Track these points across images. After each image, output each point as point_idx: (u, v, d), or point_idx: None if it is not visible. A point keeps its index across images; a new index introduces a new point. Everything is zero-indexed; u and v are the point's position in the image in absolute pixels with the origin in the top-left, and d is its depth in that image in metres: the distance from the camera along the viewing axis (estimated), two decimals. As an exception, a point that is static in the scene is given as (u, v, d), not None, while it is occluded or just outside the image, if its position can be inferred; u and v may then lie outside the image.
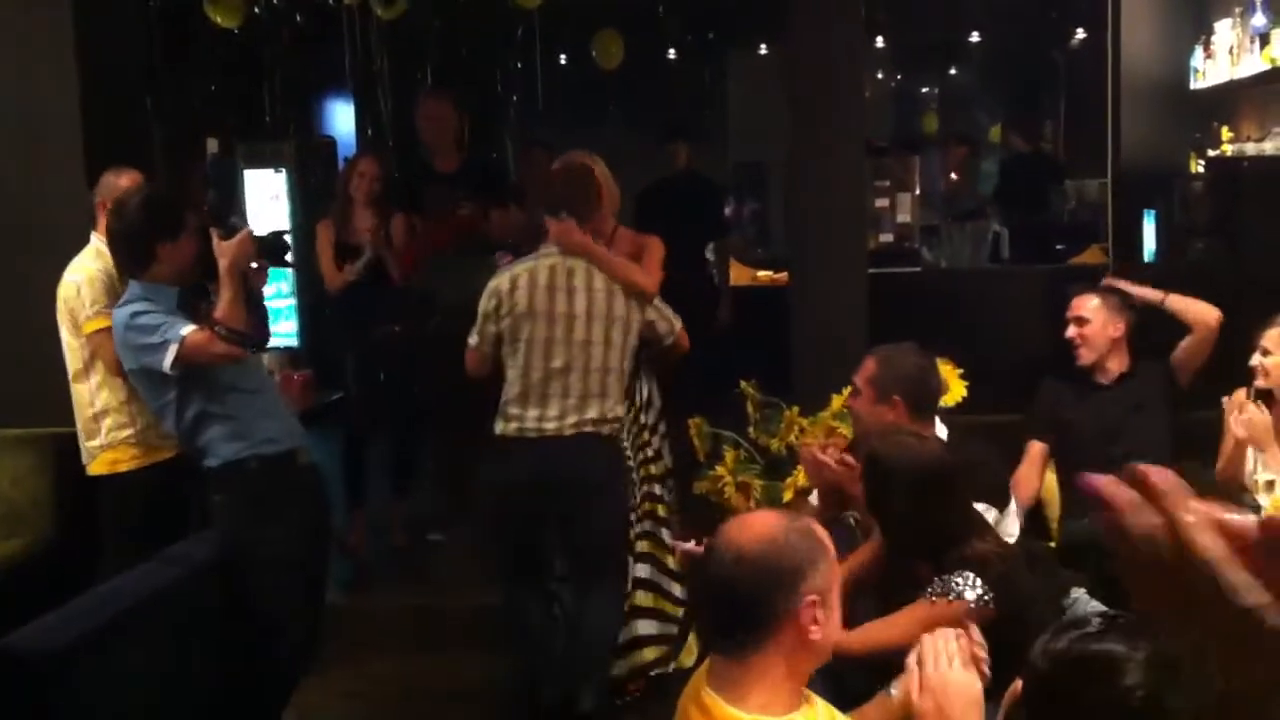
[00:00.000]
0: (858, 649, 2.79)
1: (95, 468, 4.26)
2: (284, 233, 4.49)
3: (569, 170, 4.19)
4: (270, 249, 3.99)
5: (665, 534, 4.43)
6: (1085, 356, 4.39)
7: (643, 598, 4.41)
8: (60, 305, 4.22)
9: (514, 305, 4.00)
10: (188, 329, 3.58)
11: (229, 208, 3.85)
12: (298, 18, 8.61)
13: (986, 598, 2.72)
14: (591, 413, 4.03)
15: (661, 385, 4.52)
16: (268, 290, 8.18)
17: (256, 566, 3.68)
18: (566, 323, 3.99)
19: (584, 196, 4.09)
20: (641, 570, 4.41)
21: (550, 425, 4.01)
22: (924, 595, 2.79)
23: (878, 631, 2.81)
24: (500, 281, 4.05)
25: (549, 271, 4.02)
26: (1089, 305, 4.40)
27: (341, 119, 10.62)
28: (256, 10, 7.37)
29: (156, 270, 3.72)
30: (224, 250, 3.62)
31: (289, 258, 4.33)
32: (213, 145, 3.80)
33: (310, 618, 4.07)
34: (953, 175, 9.02)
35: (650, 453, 4.45)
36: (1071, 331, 4.40)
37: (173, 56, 8.02)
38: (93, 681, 3.05)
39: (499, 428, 4.04)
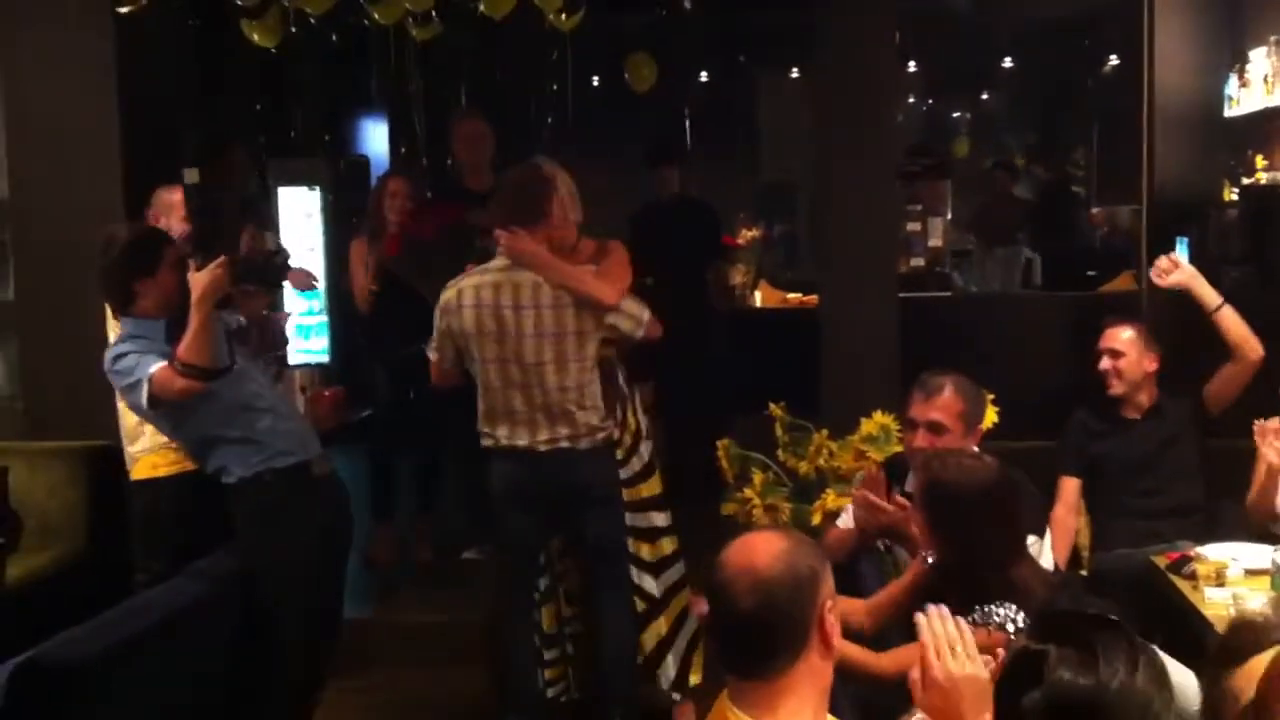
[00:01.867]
0: (891, 671, 2.76)
1: (137, 472, 4.33)
2: (275, 253, 4.43)
3: (516, 179, 4.05)
4: (257, 271, 3.94)
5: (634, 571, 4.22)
6: (1117, 388, 4.36)
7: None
8: (109, 316, 4.28)
9: (463, 324, 3.91)
10: (155, 366, 3.56)
11: (210, 235, 3.71)
12: (333, 37, 8.67)
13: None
14: (563, 429, 3.91)
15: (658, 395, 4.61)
16: (300, 306, 8.32)
17: (276, 576, 3.71)
18: (515, 342, 3.87)
19: (530, 205, 3.91)
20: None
21: (521, 442, 3.93)
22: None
23: (910, 654, 2.78)
24: (449, 296, 3.95)
25: (494, 289, 3.88)
26: (1123, 337, 4.36)
27: (375, 138, 10.69)
28: (293, 30, 7.42)
29: (140, 306, 3.74)
30: (195, 281, 3.54)
31: (295, 279, 4.28)
32: (192, 175, 3.78)
33: (330, 627, 4.09)
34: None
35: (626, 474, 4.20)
36: (1105, 364, 4.37)
37: (210, 75, 8.10)
38: (121, 694, 3.07)
39: (482, 441, 4.02)
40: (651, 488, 4.22)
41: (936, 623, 2.03)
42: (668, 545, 4.24)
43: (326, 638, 4.07)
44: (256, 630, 3.69)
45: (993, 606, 2.71)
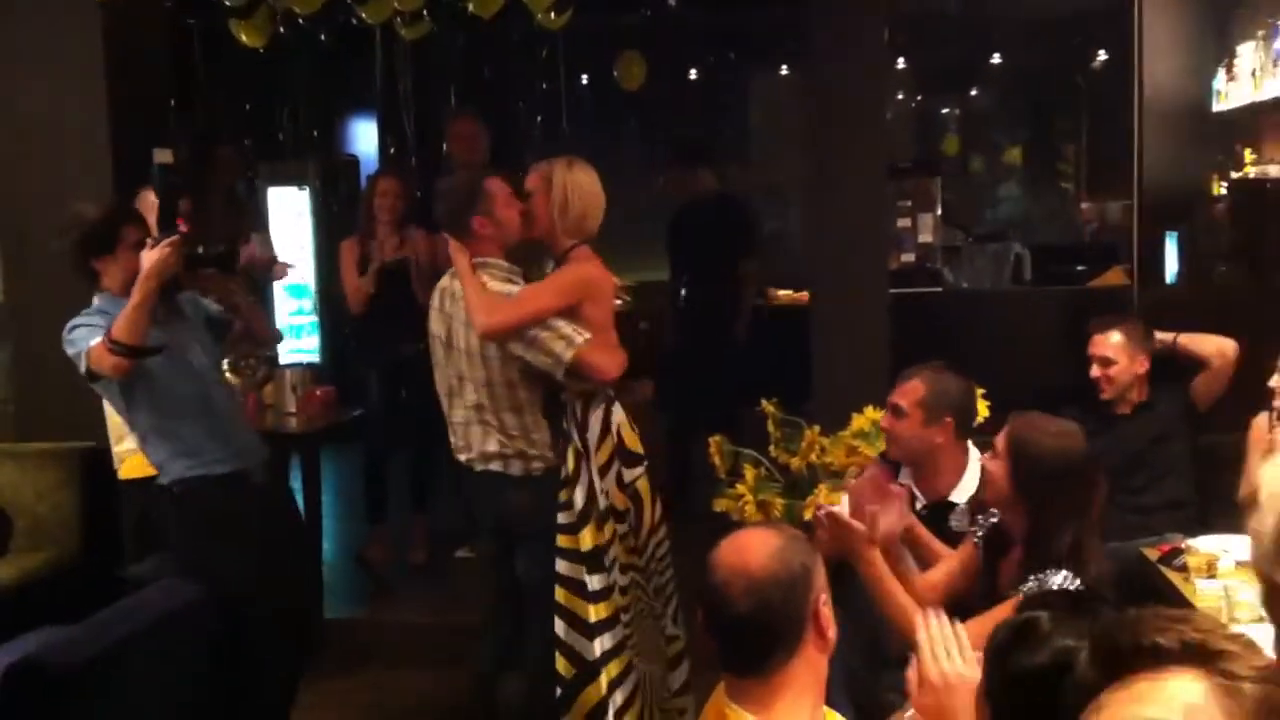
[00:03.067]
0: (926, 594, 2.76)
1: (124, 472, 4.39)
2: (235, 239, 4.40)
3: (444, 187, 3.92)
4: (212, 253, 3.95)
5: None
6: (1109, 394, 4.36)
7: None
8: None
9: (429, 325, 3.88)
10: (95, 340, 3.57)
11: (172, 215, 3.78)
12: (322, 37, 8.67)
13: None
14: (491, 445, 3.75)
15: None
16: (291, 306, 8.31)
17: (212, 583, 3.61)
18: (449, 352, 3.79)
19: (449, 215, 3.78)
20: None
21: (461, 455, 3.85)
22: (1016, 592, 2.74)
23: (972, 632, 2.71)
24: (431, 297, 3.93)
25: (441, 294, 3.84)
26: (1112, 343, 4.33)
27: (365, 137, 10.68)
28: (282, 30, 7.42)
29: (105, 283, 3.76)
30: (144, 258, 3.57)
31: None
32: (164, 155, 3.79)
33: (301, 630, 4.11)
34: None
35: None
36: (1096, 372, 4.34)
37: (199, 75, 8.10)
38: (115, 695, 3.07)
39: None
40: (579, 542, 3.74)
41: (933, 624, 2.04)
42: (605, 609, 3.74)
43: (299, 639, 4.09)
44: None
45: (1045, 574, 2.70)
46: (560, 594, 3.75)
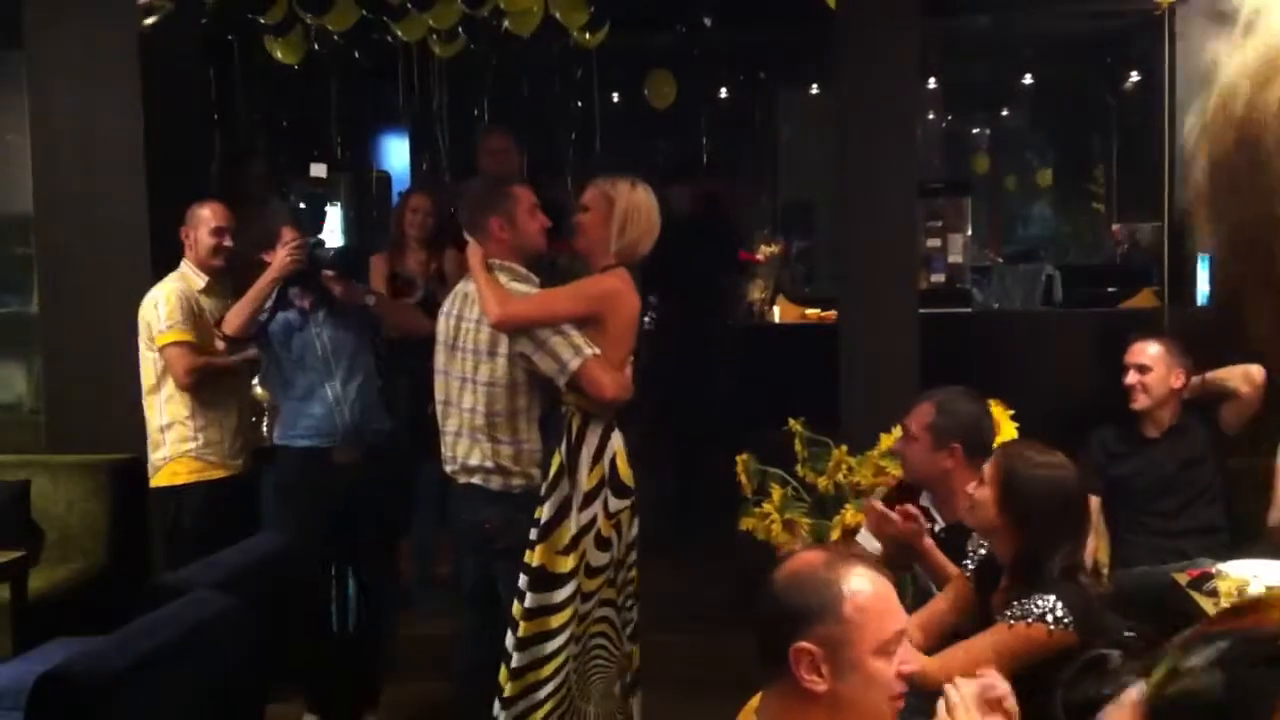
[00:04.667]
0: (940, 678, 2.74)
1: (157, 480, 4.49)
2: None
3: (472, 189, 3.96)
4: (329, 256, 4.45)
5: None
6: (1142, 402, 4.34)
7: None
8: (140, 321, 4.49)
9: (436, 329, 3.89)
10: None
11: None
12: (356, 54, 8.73)
13: (1066, 621, 2.65)
14: (474, 458, 3.74)
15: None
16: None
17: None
18: (451, 355, 3.79)
19: (468, 212, 3.85)
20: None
21: (449, 468, 3.85)
22: (1003, 618, 2.73)
23: (957, 659, 2.69)
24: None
25: (453, 298, 3.85)
26: (1150, 352, 4.34)
27: (396, 154, 10.74)
28: (317, 46, 7.48)
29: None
30: (274, 256, 4.29)
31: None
32: (319, 170, 4.55)
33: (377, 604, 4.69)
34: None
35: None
36: (1132, 378, 4.34)
37: (234, 90, 8.17)
38: (144, 706, 3.08)
39: None
40: (532, 556, 3.65)
41: (956, 689, 1.99)
42: (531, 627, 3.65)
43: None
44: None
45: (1028, 600, 2.69)
46: (515, 607, 3.69)
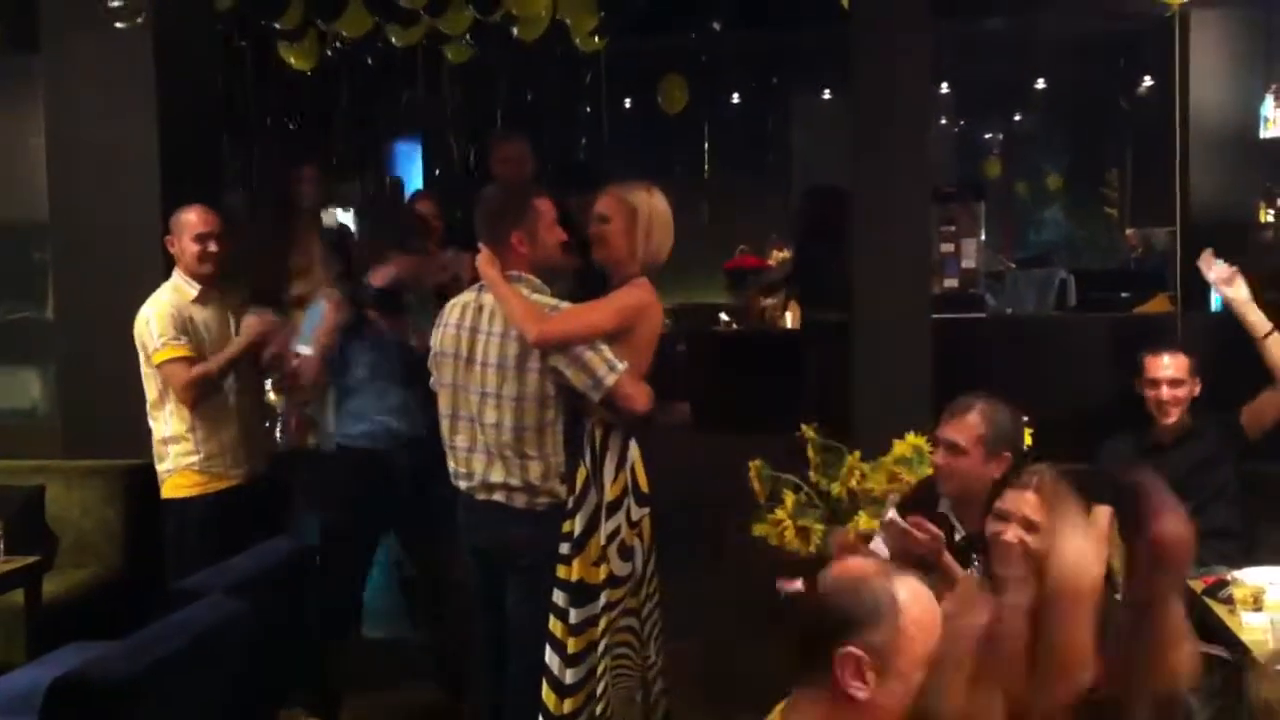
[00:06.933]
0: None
1: (165, 491, 4.47)
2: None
3: (486, 196, 3.80)
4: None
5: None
6: (1175, 416, 4.30)
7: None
8: (135, 339, 4.41)
9: (437, 342, 3.73)
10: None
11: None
12: (369, 61, 8.75)
13: None
14: (495, 475, 3.62)
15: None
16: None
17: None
18: (468, 369, 3.63)
19: (487, 222, 3.68)
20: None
21: (463, 483, 3.72)
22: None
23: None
24: (442, 312, 3.80)
25: (462, 309, 3.70)
26: (1181, 366, 4.27)
27: (409, 160, 10.77)
28: (329, 53, 7.51)
29: None
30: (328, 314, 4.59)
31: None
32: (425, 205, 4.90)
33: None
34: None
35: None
36: (1166, 394, 4.27)
37: (248, 97, 8.20)
38: (158, 711, 3.08)
39: None
40: (570, 572, 3.61)
41: None
42: (580, 643, 3.61)
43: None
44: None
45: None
46: (555, 625, 3.63)
